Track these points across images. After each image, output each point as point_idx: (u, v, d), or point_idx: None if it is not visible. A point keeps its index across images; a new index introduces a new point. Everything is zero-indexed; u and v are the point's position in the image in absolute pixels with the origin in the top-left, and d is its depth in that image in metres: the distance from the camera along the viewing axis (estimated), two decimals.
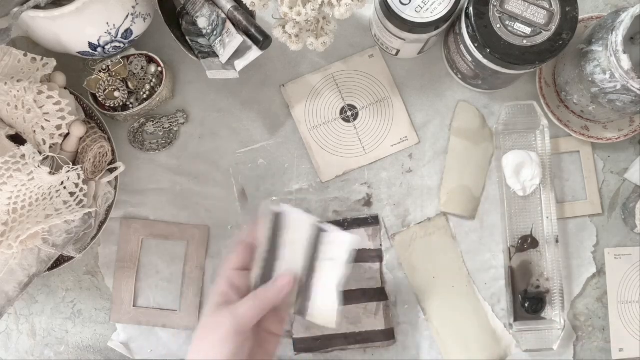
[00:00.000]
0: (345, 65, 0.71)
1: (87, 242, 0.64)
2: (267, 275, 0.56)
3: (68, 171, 0.59)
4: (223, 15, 0.63)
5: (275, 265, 0.56)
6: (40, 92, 0.60)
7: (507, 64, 0.60)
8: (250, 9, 0.58)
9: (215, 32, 0.63)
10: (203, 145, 0.71)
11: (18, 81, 0.60)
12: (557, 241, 0.68)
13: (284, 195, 0.70)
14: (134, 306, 0.69)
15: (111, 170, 0.64)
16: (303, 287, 0.56)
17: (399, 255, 0.69)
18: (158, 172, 0.70)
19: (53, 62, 0.62)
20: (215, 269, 0.69)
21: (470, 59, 0.63)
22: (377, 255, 0.69)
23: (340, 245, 0.55)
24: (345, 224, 0.69)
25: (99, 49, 0.62)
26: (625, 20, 0.57)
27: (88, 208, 0.60)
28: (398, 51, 0.68)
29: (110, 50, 0.63)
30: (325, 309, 0.56)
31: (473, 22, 0.59)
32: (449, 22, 0.61)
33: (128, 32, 0.62)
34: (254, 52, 0.62)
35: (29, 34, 0.62)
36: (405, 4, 0.60)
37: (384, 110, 0.70)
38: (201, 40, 0.65)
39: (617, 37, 0.57)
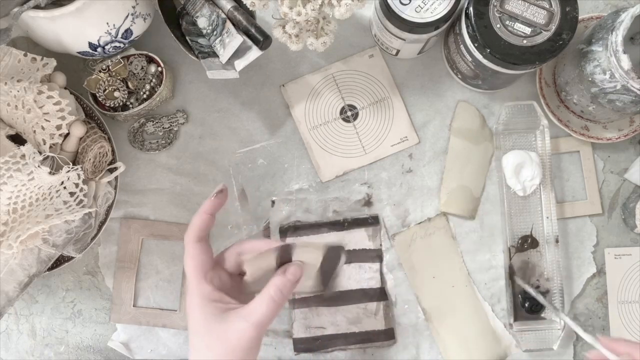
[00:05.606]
0: (345, 65, 0.71)
1: (87, 242, 0.64)
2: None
3: (68, 171, 0.59)
4: (223, 15, 0.63)
5: None
6: (40, 92, 0.60)
7: (507, 64, 0.60)
8: (250, 9, 0.58)
9: (215, 32, 0.63)
10: (203, 145, 0.71)
11: (18, 81, 0.60)
12: (557, 241, 0.68)
13: (284, 195, 0.70)
14: (134, 306, 0.69)
15: (111, 170, 0.64)
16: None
17: (399, 255, 0.69)
18: (158, 172, 0.70)
19: (53, 62, 0.62)
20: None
21: (470, 59, 0.63)
22: (377, 255, 0.69)
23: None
24: (345, 224, 0.69)
25: (99, 49, 0.62)
26: (625, 20, 0.57)
27: (88, 208, 0.60)
28: (398, 51, 0.68)
29: (110, 50, 0.63)
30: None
31: (473, 22, 0.59)
32: (449, 22, 0.61)
33: (128, 32, 0.62)
34: (254, 52, 0.62)
35: (29, 34, 0.62)
36: (405, 4, 0.60)
37: (384, 110, 0.70)
38: (201, 40, 0.65)
39: (617, 37, 0.57)
